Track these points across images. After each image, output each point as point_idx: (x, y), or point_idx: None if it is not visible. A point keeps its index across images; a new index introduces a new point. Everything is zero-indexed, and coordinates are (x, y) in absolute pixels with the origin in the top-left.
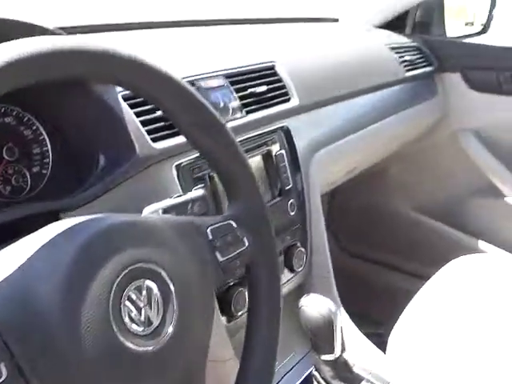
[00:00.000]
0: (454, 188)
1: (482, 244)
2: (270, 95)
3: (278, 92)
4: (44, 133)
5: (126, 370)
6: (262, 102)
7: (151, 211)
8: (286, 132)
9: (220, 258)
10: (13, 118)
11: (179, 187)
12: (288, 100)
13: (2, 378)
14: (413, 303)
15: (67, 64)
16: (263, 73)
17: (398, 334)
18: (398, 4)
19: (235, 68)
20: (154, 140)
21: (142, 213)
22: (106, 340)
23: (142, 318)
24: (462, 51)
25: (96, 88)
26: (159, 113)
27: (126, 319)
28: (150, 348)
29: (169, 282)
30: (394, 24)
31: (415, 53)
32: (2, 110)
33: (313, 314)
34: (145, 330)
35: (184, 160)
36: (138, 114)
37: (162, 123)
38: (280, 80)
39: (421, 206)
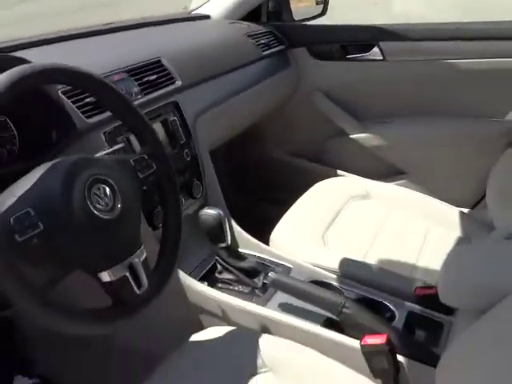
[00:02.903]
0: (315, 135)
1: (339, 172)
2: (159, 81)
3: (165, 78)
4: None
5: (97, 229)
6: (154, 86)
7: None
8: (176, 105)
9: (140, 175)
10: None
11: (107, 145)
12: (174, 82)
13: (39, 230)
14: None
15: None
16: (153, 65)
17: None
18: None
19: (132, 64)
20: (87, 117)
21: None
22: (85, 211)
23: (103, 202)
24: (305, 31)
25: (43, 89)
26: (88, 100)
27: (95, 203)
28: (109, 217)
29: (114, 184)
30: (253, 15)
31: (269, 36)
32: None
33: (207, 217)
34: (105, 208)
35: (108, 128)
36: (73, 102)
37: (91, 106)
38: (166, 69)
39: (294, 152)
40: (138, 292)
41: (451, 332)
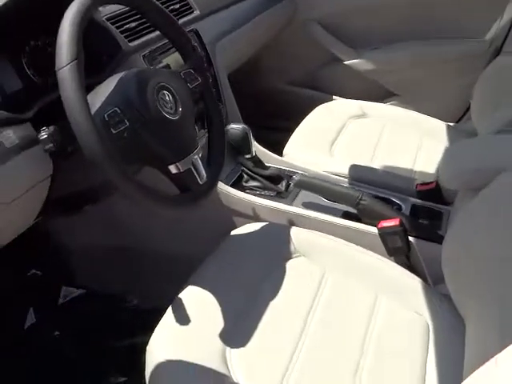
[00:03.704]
0: (311, 63)
1: (334, 97)
2: (181, 9)
3: (185, 7)
4: None
5: (167, 128)
6: (177, 15)
7: None
8: (196, 32)
9: (189, 86)
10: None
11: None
12: (192, 12)
13: (126, 126)
14: (298, 130)
15: None
16: None
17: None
18: None
19: None
20: (129, 41)
21: None
22: (157, 112)
23: (168, 105)
24: None
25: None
26: (127, 26)
27: (163, 106)
28: (175, 118)
29: (174, 91)
30: None
31: None
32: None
33: (234, 131)
34: (170, 110)
35: (145, 51)
36: (116, 28)
37: (130, 31)
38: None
39: (291, 81)
40: (200, 182)
41: (451, 216)
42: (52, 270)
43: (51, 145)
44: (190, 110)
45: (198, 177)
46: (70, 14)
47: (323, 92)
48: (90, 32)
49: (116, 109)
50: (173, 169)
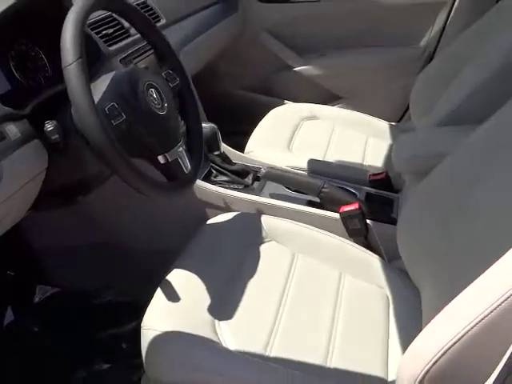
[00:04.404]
0: (263, 70)
1: (285, 102)
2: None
3: (153, 16)
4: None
5: (157, 121)
6: None
7: None
8: None
9: (170, 85)
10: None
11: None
12: (159, 20)
13: (123, 118)
14: (256, 131)
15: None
16: (141, 6)
17: (250, 145)
18: None
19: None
20: (108, 45)
21: None
22: (148, 108)
23: (155, 102)
24: None
25: None
26: (104, 32)
27: (151, 102)
28: (163, 113)
29: (160, 89)
30: None
31: None
32: (25, 42)
33: (203, 130)
34: (158, 106)
35: (123, 55)
36: (96, 33)
37: (108, 37)
38: (152, 9)
39: (245, 86)
40: (186, 172)
41: (400, 201)
42: (25, 270)
43: (57, 136)
44: (173, 106)
45: (183, 166)
46: (71, 17)
47: (275, 97)
48: None
49: (114, 103)
50: (161, 159)
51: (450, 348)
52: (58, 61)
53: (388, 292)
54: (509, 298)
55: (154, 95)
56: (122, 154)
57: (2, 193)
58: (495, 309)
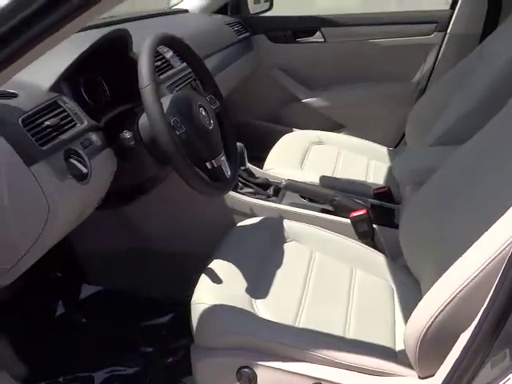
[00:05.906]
0: (274, 102)
1: (294, 129)
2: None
3: (164, 64)
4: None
5: (208, 134)
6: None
7: None
8: None
9: (212, 107)
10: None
11: (167, 92)
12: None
13: (184, 130)
14: (272, 153)
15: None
16: None
17: (268, 164)
18: None
19: None
20: (159, 75)
21: None
22: (201, 123)
23: (205, 119)
24: (264, 21)
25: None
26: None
27: (202, 118)
28: (211, 128)
29: (207, 109)
30: (220, 10)
31: (238, 25)
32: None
33: None
34: (207, 122)
35: (170, 83)
36: None
37: (159, 68)
38: (164, 57)
39: (258, 117)
40: (227, 176)
41: (401, 210)
42: (71, 272)
43: (133, 142)
44: (217, 123)
45: (225, 172)
46: (146, 51)
47: (285, 126)
48: (129, 67)
49: (176, 118)
50: (209, 165)
51: (443, 309)
52: (118, 88)
53: (392, 284)
54: (484, 269)
55: (204, 113)
56: (184, 156)
57: (90, 187)
58: (473, 279)
